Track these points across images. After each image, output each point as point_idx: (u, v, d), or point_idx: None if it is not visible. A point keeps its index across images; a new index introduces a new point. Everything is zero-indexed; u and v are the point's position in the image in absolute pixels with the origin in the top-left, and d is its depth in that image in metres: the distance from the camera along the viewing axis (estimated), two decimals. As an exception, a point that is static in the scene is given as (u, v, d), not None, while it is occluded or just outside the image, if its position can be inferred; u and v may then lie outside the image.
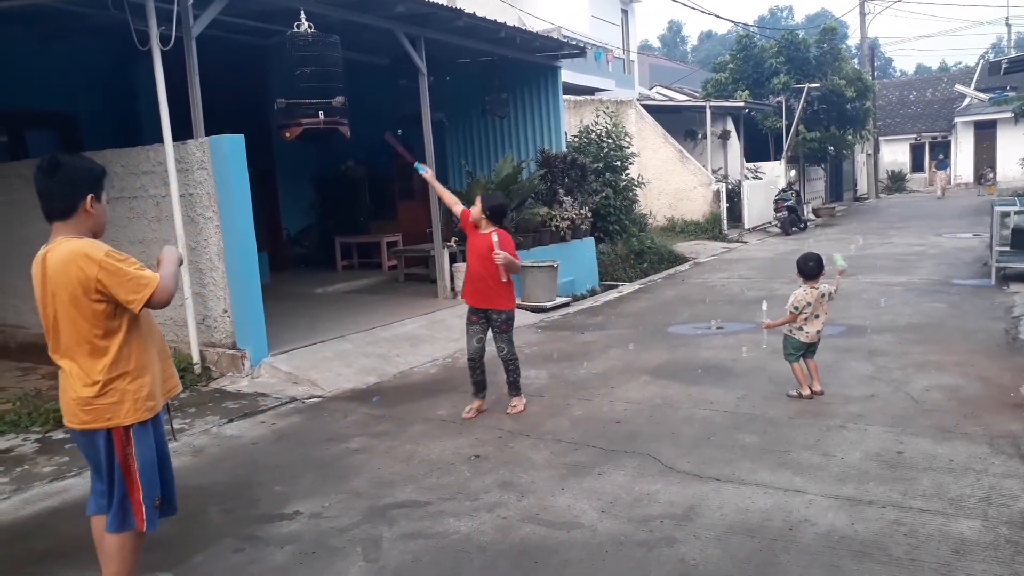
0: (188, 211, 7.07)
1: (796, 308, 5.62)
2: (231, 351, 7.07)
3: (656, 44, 75.35)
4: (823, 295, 5.64)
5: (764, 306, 5.78)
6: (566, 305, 10.26)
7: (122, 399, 3.01)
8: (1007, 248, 10.52)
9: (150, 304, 2.96)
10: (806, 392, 5.61)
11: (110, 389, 2.99)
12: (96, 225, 3.10)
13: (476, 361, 5.71)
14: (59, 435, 5.72)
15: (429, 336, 8.28)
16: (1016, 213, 10.75)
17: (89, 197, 3.04)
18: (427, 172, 6.14)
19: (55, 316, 3.01)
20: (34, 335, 8.68)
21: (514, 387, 5.80)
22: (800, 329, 5.65)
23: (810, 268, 5.66)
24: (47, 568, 3.77)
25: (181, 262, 3.27)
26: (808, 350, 5.72)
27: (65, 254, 2.93)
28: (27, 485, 4.82)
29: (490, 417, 5.69)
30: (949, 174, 32.44)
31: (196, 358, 7.08)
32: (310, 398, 6.46)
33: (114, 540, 3.11)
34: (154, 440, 3.14)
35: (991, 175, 31.22)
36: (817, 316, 5.64)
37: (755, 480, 4.26)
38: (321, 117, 7.13)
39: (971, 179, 32.95)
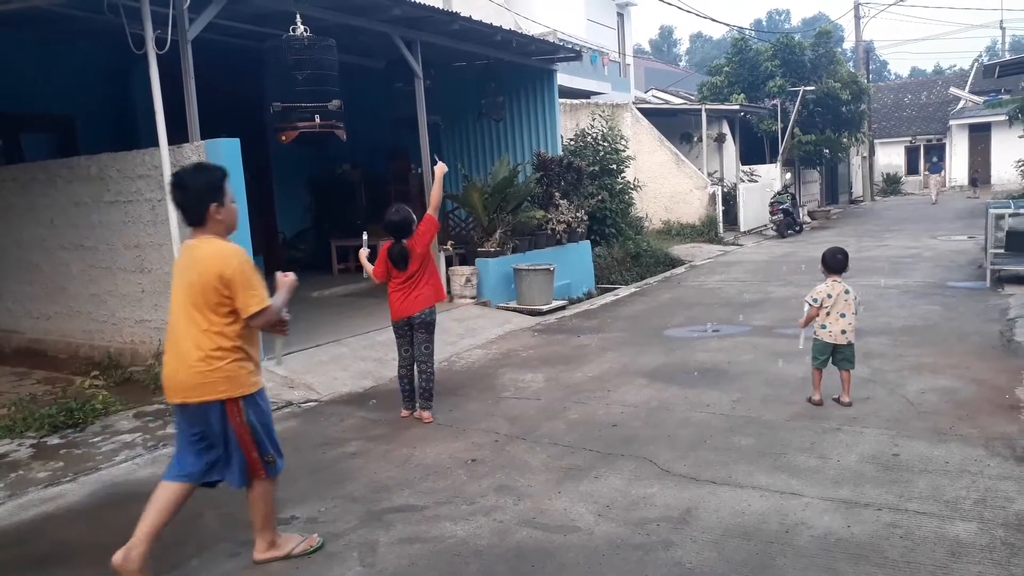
0: (184, 215, 7.05)
1: (815, 300, 5.46)
2: (227, 355, 7.04)
3: (647, 49, 75.43)
4: (847, 291, 5.45)
5: (806, 308, 5.63)
6: (562, 308, 10.27)
7: (234, 375, 3.43)
8: (1002, 250, 10.55)
9: (253, 319, 3.42)
10: (816, 398, 5.52)
11: (223, 366, 3.40)
12: (228, 225, 3.53)
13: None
14: (54, 440, 5.70)
15: (425, 339, 8.26)
16: (1011, 216, 10.79)
17: (213, 206, 3.44)
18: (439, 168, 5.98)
19: (185, 298, 3.42)
20: (29, 340, 8.67)
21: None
22: (823, 327, 5.47)
23: (837, 261, 5.50)
24: (42, 574, 3.75)
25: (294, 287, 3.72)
26: (839, 357, 5.49)
27: (210, 250, 3.41)
28: (22, 491, 4.80)
29: (486, 420, 5.69)
30: (944, 177, 32.35)
31: (192, 362, 7.05)
32: (306, 402, 6.45)
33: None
34: (263, 409, 3.58)
35: (977, 179, 31.34)
36: (843, 315, 5.43)
37: (751, 483, 4.26)
38: (317, 120, 7.13)
39: (966, 182, 33.02)
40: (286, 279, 3.69)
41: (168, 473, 3.58)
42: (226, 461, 3.54)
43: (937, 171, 30.86)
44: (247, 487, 3.60)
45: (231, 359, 3.42)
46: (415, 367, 5.85)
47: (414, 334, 5.80)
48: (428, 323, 5.77)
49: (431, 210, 5.86)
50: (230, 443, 3.49)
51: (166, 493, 3.50)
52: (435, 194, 5.97)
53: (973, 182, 31.29)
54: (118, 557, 3.37)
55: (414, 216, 5.66)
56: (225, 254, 3.39)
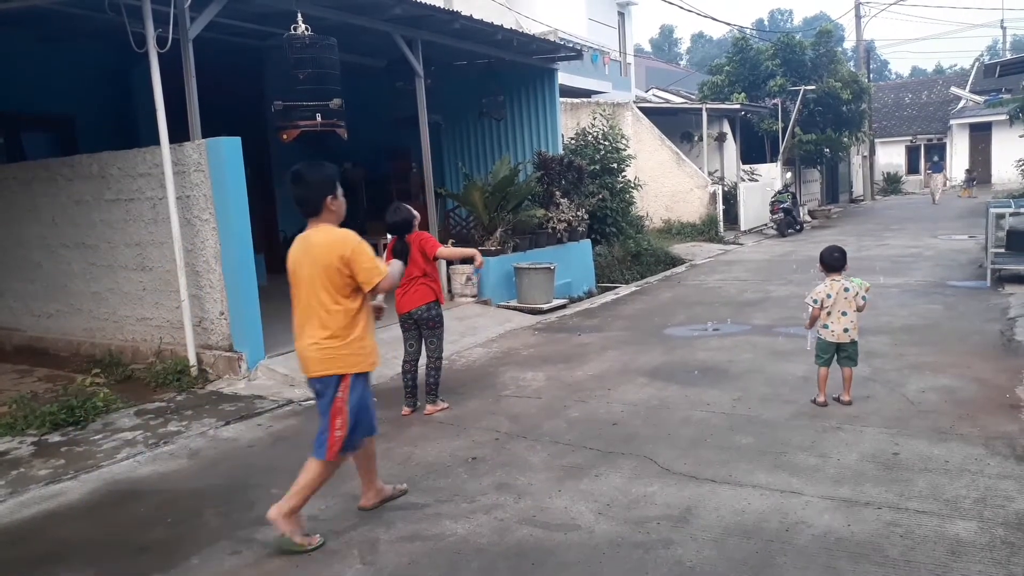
0: (185, 213, 7.07)
1: (815, 301, 5.47)
2: (228, 353, 7.06)
3: (648, 48, 75.38)
4: (846, 289, 5.45)
5: (808, 309, 5.65)
6: (563, 307, 10.28)
7: (353, 353, 3.75)
8: (1002, 250, 10.55)
9: (376, 289, 3.76)
10: (820, 399, 5.51)
11: (344, 344, 3.73)
12: (338, 216, 3.85)
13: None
14: (55, 438, 5.72)
15: (426, 338, 8.27)
16: (1012, 215, 10.79)
17: (328, 198, 3.78)
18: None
19: (308, 283, 3.73)
20: (30, 337, 8.68)
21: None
22: (825, 327, 5.47)
23: (834, 259, 5.51)
24: (43, 571, 3.76)
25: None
26: (842, 355, 5.49)
27: (327, 237, 3.73)
28: (23, 488, 4.81)
29: (487, 419, 5.70)
30: (946, 176, 32.22)
31: (193, 360, 7.07)
32: (307, 400, 6.44)
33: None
34: (368, 390, 3.89)
35: (970, 178, 31.26)
36: (844, 313, 5.42)
37: (752, 482, 4.27)
38: (318, 119, 7.13)
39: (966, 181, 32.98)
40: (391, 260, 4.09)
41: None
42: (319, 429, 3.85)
43: (939, 170, 30.62)
44: (313, 456, 3.82)
45: (351, 338, 3.74)
46: (425, 361, 6.00)
47: (421, 329, 5.95)
48: (428, 319, 5.90)
49: (441, 247, 6.10)
50: (324, 413, 3.79)
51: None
52: (454, 253, 6.94)
53: (969, 181, 31.20)
54: (363, 501, 4.11)
55: (414, 213, 5.66)
56: (342, 238, 3.72)
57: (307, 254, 3.75)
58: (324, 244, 3.71)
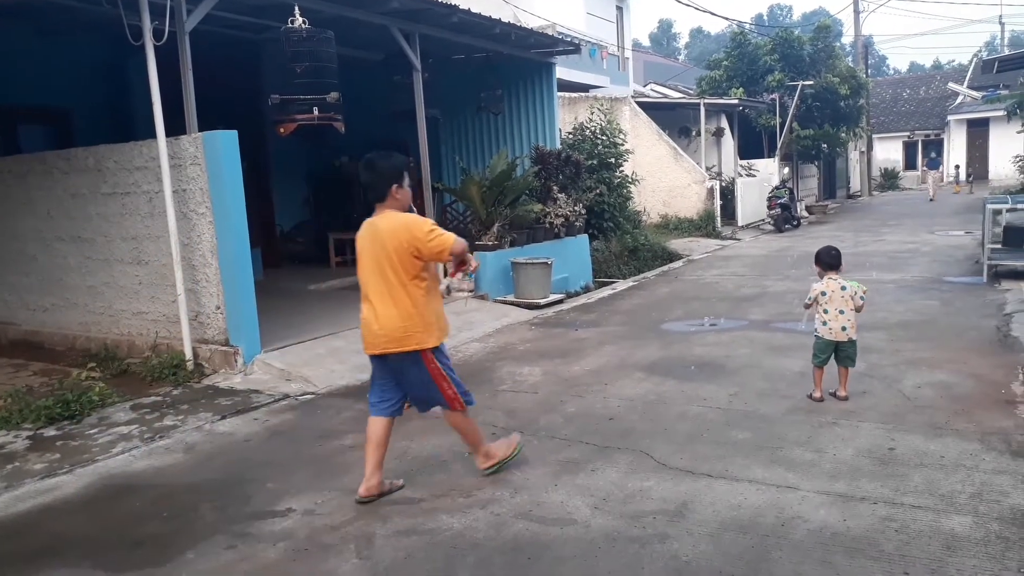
0: (181, 207, 7.05)
1: (810, 299, 5.53)
2: (224, 348, 7.05)
3: (646, 43, 75.31)
4: (843, 288, 5.44)
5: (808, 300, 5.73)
6: (560, 302, 10.28)
7: (427, 328, 4.06)
8: (999, 245, 10.56)
9: (451, 253, 4.01)
10: (817, 394, 5.51)
11: (418, 320, 4.03)
12: (402, 204, 4.14)
13: None
14: (50, 432, 5.70)
15: (423, 333, 8.26)
16: (1008, 211, 10.79)
17: (394, 186, 4.09)
18: None
19: (378, 265, 4.02)
20: (25, 331, 8.66)
21: None
22: (824, 324, 5.47)
23: (832, 257, 5.53)
24: (38, 566, 3.75)
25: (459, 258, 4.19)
26: (842, 355, 5.48)
27: (394, 222, 4.03)
28: (18, 482, 4.79)
29: (484, 414, 5.69)
30: (942, 173, 32.14)
31: (189, 355, 7.05)
32: (303, 395, 6.45)
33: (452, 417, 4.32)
34: (447, 355, 4.26)
35: (959, 173, 31.25)
36: (841, 312, 5.42)
37: (748, 476, 4.27)
38: (315, 113, 7.11)
39: (963, 176, 33.02)
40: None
41: (373, 410, 4.29)
42: (417, 401, 4.28)
43: (935, 167, 30.54)
44: (444, 409, 4.25)
45: (421, 315, 4.04)
46: None
47: None
48: None
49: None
50: (426, 384, 4.15)
51: (377, 428, 4.24)
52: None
53: (957, 177, 31.17)
54: (362, 490, 4.15)
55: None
56: (409, 220, 4.04)
57: (375, 239, 4.04)
58: (390, 229, 3.99)
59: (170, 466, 5.00)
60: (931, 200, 26.90)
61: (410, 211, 4.25)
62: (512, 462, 4.51)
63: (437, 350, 4.15)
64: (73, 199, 7.90)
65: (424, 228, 3.99)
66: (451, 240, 4.01)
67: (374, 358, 4.22)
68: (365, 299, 4.13)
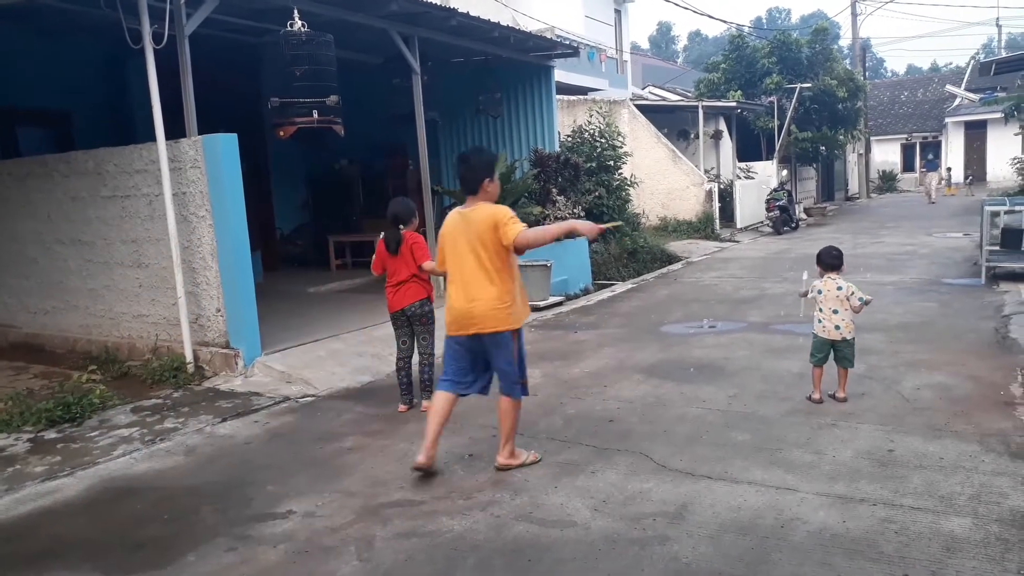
0: (181, 210, 7.05)
1: (805, 290, 5.65)
2: (224, 350, 7.06)
3: (645, 46, 75.42)
4: (839, 288, 5.47)
5: (804, 275, 5.78)
6: (559, 304, 10.28)
7: (514, 311, 4.39)
8: (997, 247, 10.58)
9: (521, 241, 4.23)
10: (816, 396, 5.53)
11: (508, 303, 4.36)
12: (491, 196, 4.51)
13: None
14: (51, 435, 5.71)
15: (422, 335, 8.27)
16: (1006, 213, 10.81)
17: (485, 180, 4.45)
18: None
19: (471, 252, 4.34)
20: (26, 334, 8.66)
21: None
22: (819, 322, 5.52)
23: (833, 258, 5.56)
24: (38, 568, 3.75)
25: (567, 236, 4.50)
26: (839, 355, 5.52)
27: (484, 211, 4.36)
28: (19, 485, 4.80)
29: (484, 416, 5.70)
30: (940, 174, 31.98)
31: (189, 357, 7.06)
32: (304, 397, 6.46)
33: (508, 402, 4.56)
34: (524, 340, 4.59)
35: (950, 176, 31.16)
36: (836, 311, 5.45)
37: (747, 478, 4.28)
38: (315, 116, 7.12)
39: (961, 179, 33.02)
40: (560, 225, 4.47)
41: (441, 386, 4.58)
42: (502, 378, 4.52)
43: (934, 168, 30.28)
44: (506, 396, 4.52)
45: (511, 299, 4.37)
46: (418, 359, 6.01)
47: (413, 326, 5.95)
48: (421, 315, 5.91)
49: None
50: (511, 363, 4.44)
51: (443, 402, 4.53)
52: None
53: (950, 179, 30.97)
54: (422, 459, 4.44)
55: (414, 207, 5.91)
56: (495, 209, 4.38)
57: (468, 227, 4.37)
58: (481, 218, 4.34)
59: (171, 468, 5.00)
60: (931, 203, 26.51)
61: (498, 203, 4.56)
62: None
63: (520, 332, 4.50)
64: (73, 202, 7.91)
65: (504, 217, 4.29)
66: (515, 232, 4.24)
67: (458, 339, 4.50)
68: (453, 283, 4.43)
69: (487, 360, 4.55)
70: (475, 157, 4.54)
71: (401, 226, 5.82)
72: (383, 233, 5.88)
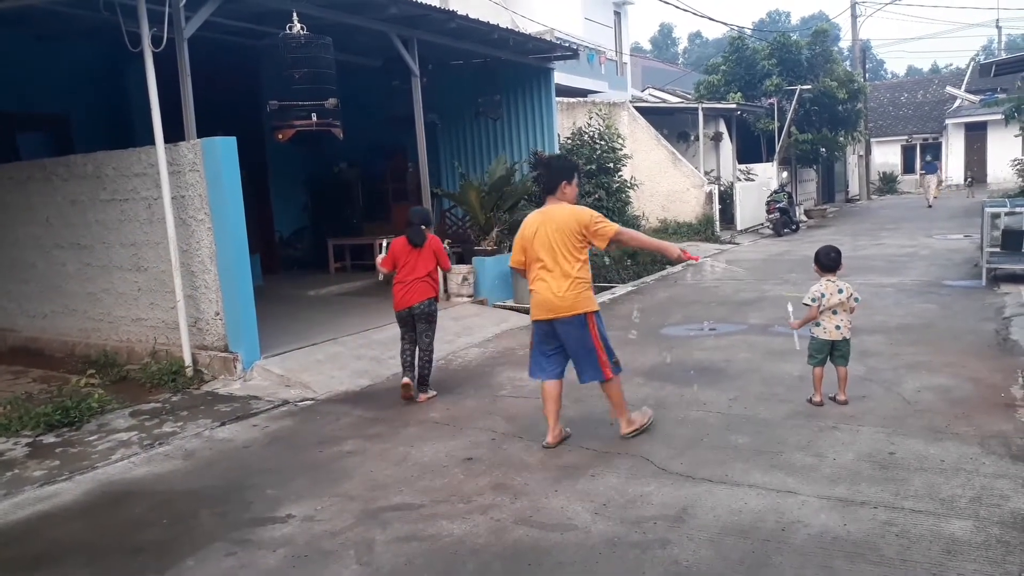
0: (180, 213, 7.05)
1: (813, 300, 5.48)
2: (223, 354, 7.05)
3: (647, 47, 75.47)
4: (840, 290, 5.46)
5: (789, 307, 5.73)
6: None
7: (589, 296, 4.85)
8: (997, 249, 10.57)
9: (611, 242, 4.87)
10: (816, 398, 5.51)
11: (583, 290, 4.81)
12: (569, 198, 4.97)
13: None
14: (50, 439, 5.70)
15: (422, 338, 8.26)
16: (1007, 214, 10.79)
17: (563, 183, 4.94)
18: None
19: (552, 245, 4.78)
20: (25, 338, 8.65)
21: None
22: (818, 325, 5.50)
23: (831, 259, 5.53)
24: (37, 573, 3.74)
25: (672, 255, 5.06)
26: (836, 354, 5.51)
27: (567, 211, 4.83)
28: (17, 489, 4.79)
29: (484, 419, 5.69)
30: (940, 176, 31.06)
31: (188, 361, 7.05)
32: (303, 401, 6.45)
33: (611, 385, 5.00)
34: (603, 323, 4.99)
35: (938, 177, 30.97)
36: (835, 312, 5.44)
37: (748, 481, 4.27)
38: (314, 119, 7.12)
39: (961, 181, 32.99)
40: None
41: (536, 375, 5.04)
42: (579, 361, 4.92)
43: (933, 171, 28.84)
44: (601, 382, 4.94)
45: (587, 286, 4.84)
46: (416, 353, 6.33)
47: (416, 324, 6.25)
48: (428, 314, 6.24)
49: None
50: (588, 348, 4.85)
51: (551, 388, 4.96)
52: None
53: (970, 181, 30.84)
54: (550, 438, 4.93)
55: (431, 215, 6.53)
56: (579, 210, 4.86)
57: (551, 223, 4.79)
58: (565, 216, 4.79)
59: (170, 472, 4.99)
60: (929, 206, 25.62)
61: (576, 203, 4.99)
62: (646, 430, 5.11)
63: (598, 315, 4.90)
64: (72, 206, 7.91)
65: (590, 217, 4.80)
66: (613, 229, 4.83)
67: (543, 326, 4.91)
68: (539, 273, 4.85)
69: (565, 343, 4.93)
70: (555, 162, 5.20)
71: (424, 227, 6.29)
72: (405, 232, 6.27)
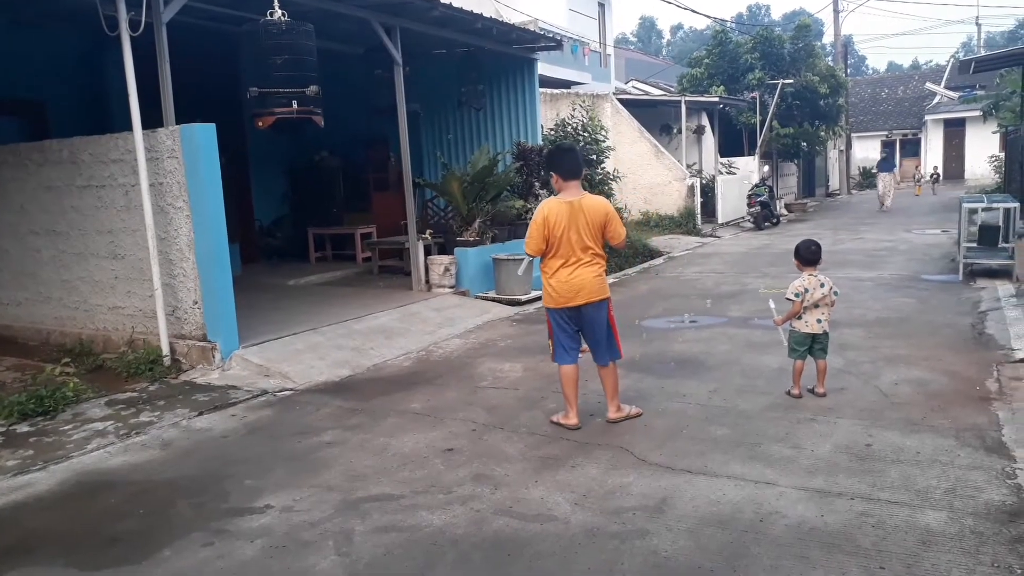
0: (158, 200, 6.96)
1: (797, 295, 5.49)
2: (201, 343, 6.98)
3: (632, 39, 75.45)
4: (822, 285, 5.50)
5: (771, 303, 5.78)
6: (541, 298, 10.25)
7: (606, 283, 5.19)
8: (974, 244, 10.69)
9: (621, 243, 5.31)
10: (795, 391, 5.55)
11: (604, 277, 5.17)
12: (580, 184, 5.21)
13: None
14: (24, 428, 5.62)
15: (403, 329, 8.24)
16: (984, 210, 10.92)
17: (584, 169, 5.36)
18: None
19: (581, 233, 4.99)
20: (-2, 326, 8.51)
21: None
22: (799, 318, 5.53)
23: (812, 253, 5.57)
24: (10, 564, 3.68)
25: None
26: (816, 347, 5.56)
27: (597, 201, 5.12)
28: (-10, 479, 4.72)
29: (464, 410, 5.68)
30: (898, 175, 27.49)
31: (166, 350, 6.97)
32: (282, 391, 6.40)
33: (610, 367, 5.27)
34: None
35: (920, 174, 31.05)
36: (816, 306, 5.49)
37: (727, 472, 4.29)
38: (294, 106, 7.04)
39: (922, 177, 33.21)
40: None
41: (563, 360, 5.21)
42: (599, 343, 5.21)
43: (889, 169, 23.85)
44: (605, 365, 5.22)
45: (604, 272, 5.18)
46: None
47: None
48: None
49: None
50: (608, 330, 5.18)
51: (571, 371, 5.19)
52: None
53: (934, 177, 30.74)
54: (576, 420, 5.14)
55: None
56: (605, 202, 5.16)
57: (580, 213, 4.97)
58: (594, 207, 5.03)
59: (146, 462, 4.94)
60: (881, 209, 22.42)
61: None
62: (630, 421, 5.25)
63: (610, 300, 5.22)
64: (47, 192, 7.78)
65: (616, 214, 5.14)
66: (625, 233, 5.27)
67: (569, 312, 5.11)
68: (580, 257, 5.00)
69: (590, 326, 5.17)
70: (577, 148, 5.88)
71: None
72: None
